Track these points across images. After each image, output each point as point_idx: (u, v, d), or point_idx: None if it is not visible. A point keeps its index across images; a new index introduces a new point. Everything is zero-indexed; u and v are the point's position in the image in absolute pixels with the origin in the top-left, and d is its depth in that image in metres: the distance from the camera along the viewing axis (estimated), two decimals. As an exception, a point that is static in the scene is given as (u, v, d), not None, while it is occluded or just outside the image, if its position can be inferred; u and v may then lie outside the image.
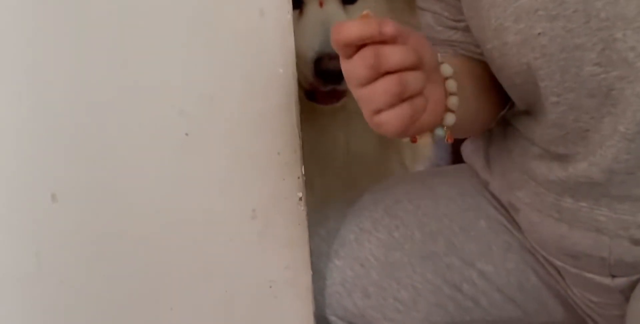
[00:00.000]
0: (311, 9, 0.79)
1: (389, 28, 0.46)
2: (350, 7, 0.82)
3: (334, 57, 0.67)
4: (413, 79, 0.48)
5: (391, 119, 0.49)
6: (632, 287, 0.64)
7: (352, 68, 0.48)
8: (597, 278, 0.65)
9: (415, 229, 0.73)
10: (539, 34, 0.56)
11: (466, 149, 0.80)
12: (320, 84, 0.78)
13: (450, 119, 0.57)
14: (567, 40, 0.55)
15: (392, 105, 0.48)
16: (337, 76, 0.68)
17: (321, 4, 0.78)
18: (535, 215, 0.68)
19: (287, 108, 0.62)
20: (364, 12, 0.48)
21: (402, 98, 0.48)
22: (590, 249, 0.63)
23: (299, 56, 0.63)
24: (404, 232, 0.72)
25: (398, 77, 0.47)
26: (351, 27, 0.47)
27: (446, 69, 0.57)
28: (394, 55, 0.47)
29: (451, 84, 0.56)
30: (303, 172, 0.64)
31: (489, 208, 0.75)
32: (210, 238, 0.62)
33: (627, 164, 0.57)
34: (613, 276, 0.64)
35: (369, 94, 0.48)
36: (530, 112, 0.65)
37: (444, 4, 0.69)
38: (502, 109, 0.73)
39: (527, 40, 0.57)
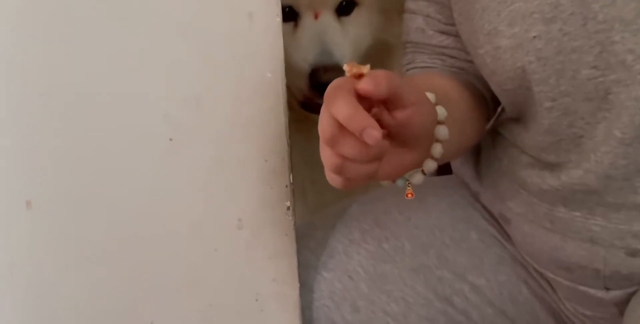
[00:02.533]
0: (306, 21, 0.78)
1: (373, 133, 0.44)
2: (345, 19, 0.81)
3: (329, 70, 0.72)
4: (353, 170, 0.48)
5: (330, 178, 0.50)
6: (627, 300, 0.63)
7: (320, 122, 0.48)
8: (591, 290, 0.64)
9: (406, 240, 0.71)
10: (534, 37, 0.55)
11: (455, 160, 0.79)
12: (315, 97, 0.77)
13: (430, 166, 0.56)
14: (564, 44, 0.55)
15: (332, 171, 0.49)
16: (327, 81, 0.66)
17: (316, 16, 0.79)
18: (527, 226, 0.67)
19: (275, 114, 0.60)
20: (351, 67, 0.46)
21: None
22: (584, 260, 0.62)
23: (293, 68, 0.65)
24: (394, 244, 0.71)
25: (341, 162, 0.47)
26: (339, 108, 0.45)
27: (441, 112, 0.55)
28: (347, 148, 0.46)
29: (442, 131, 0.55)
30: (291, 181, 0.62)
31: (479, 220, 0.74)
32: (194, 248, 0.59)
33: (625, 169, 0.56)
34: (607, 289, 0.63)
35: (321, 151, 0.49)
36: (520, 119, 0.64)
37: (439, 6, 0.69)
38: (489, 123, 0.72)
39: (521, 44, 0.56)
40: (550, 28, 0.55)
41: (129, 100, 0.55)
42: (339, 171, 0.48)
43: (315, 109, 0.75)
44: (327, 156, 0.48)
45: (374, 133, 0.44)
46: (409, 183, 0.57)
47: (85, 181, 0.54)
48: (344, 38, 0.80)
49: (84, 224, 0.55)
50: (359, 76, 0.46)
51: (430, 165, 0.57)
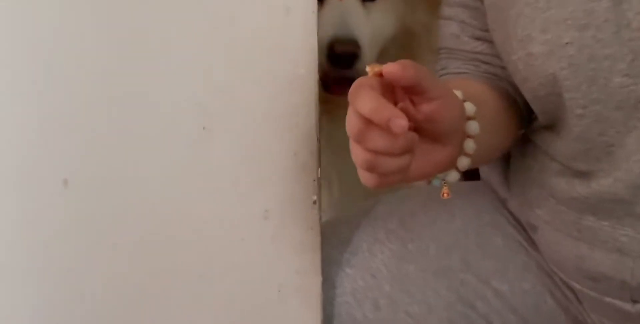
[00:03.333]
0: (331, 2, 0.82)
1: (399, 122, 0.44)
2: (370, 4, 0.84)
3: (346, 43, 0.75)
4: (385, 165, 0.48)
5: (363, 177, 0.50)
6: (655, 314, 0.61)
7: (347, 121, 0.49)
8: (618, 303, 0.63)
9: (431, 242, 0.71)
10: (567, 43, 0.55)
11: (483, 166, 0.78)
12: (331, 69, 0.79)
13: (464, 162, 0.56)
14: (596, 51, 0.54)
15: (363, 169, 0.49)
16: (347, 61, 0.76)
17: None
18: (555, 234, 0.66)
19: (306, 109, 0.61)
20: (372, 67, 0.47)
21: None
22: (611, 271, 0.61)
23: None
24: (418, 245, 0.71)
25: (372, 157, 0.48)
26: (364, 105, 0.46)
27: (469, 107, 0.56)
28: (376, 140, 0.47)
29: (472, 126, 0.55)
30: (319, 175, 0.63)
31: (506, 226, 0.73)
32: (220, 236, 0.60)
33: None
34: (635, 301, 0.62)
35: (351, 150, 0.49)
36: (552, 126, 0.64)
37: (474, 12, 0.69)
38: (521, 130, 0.72)
39: (553, 51, 0.56)
40: (583, 35, 0.55)
41: (165, 88, 0.57)
42: (371, 167, 0.48)
43: (334, 89, 0.81)
44: (357, 153, 0.49)
45: (400, 122, 0.44)
46: (444, 182, 0.56)
47: (119, 163, 0.56)
48: (365, 19, 0.83)
49: (116, 206, 0.56)
50: (380, 75, 0.47)
51: (464, 162, 0.56)
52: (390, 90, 0.49)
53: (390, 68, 0.46)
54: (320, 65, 0.75)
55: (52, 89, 0.54)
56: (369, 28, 0.84)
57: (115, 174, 0.56)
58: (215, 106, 0.58)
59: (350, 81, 0.73)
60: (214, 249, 0.61)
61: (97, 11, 0.55)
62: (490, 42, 0.69)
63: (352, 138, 0.48)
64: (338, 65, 0.80)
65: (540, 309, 0.70)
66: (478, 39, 0.70)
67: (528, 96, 0.64)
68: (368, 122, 0.46)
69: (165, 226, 0.58)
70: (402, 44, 0.89)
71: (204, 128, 0.58)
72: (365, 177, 0.50)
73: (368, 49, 0.83)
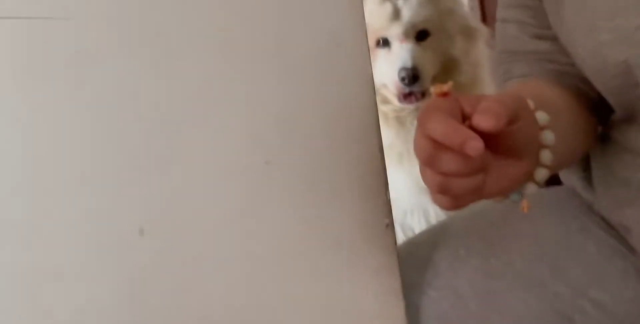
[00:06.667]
0: (395, 45, 1.30)
1: (474, 145, 0.44)
2: (423, 43, 1.29)
3: (408, 69, 1.26)
4: (457, 186, 0.47)
5: (436, 200, 0.50)
6: None
7: (415, 146, 0.48)
8: None
9: (515, 254, 0.68)
10: (637, 27, 0.52)
11: (563, 170, 0.74)
12: (400, 87, 1.26)
13: (542, 174, 0.54)
14: None
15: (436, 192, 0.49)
16: (410, 81, 1.24)
17: (402, 42, 1.28)
18: (651, 234, 0.61)
19: (368, 131, 0.60)
20: (436, 88, 0.48)
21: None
22: None
23: (391, 76, 1.26)
24: (502, 258, 0.67)
25: (444, 180, 0.47)
26: (436, 129, 0.46)
27: (542, 117, 0.53)
28: (448, 163, 0.46)
29: (547, 136, 0.53)
30: (389, 197, 0.61)
31: (597, 230, 0.69)
32: (294, 269, 0.60)
33: None
34: None
35: (421, 173, 0.49)
36: (630, 120, 0.60)
37: (532, 11, 0.66)
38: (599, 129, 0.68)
39: (624, 36, 0.53)
40: None
41: (224, 124, 0.57)
42: (443, 190, 0.47)
43: (405, 99, 1.28)
44: (428, 176, 0.48)
45: (475, 144, 0.43)
46: (523, 195, 0.54)
47: (187, 207, 0.57)
48: (420, 53, 1.28)
49: (187, 250, 0.57)
50: (444, 94, 0.48)
51: (542, 173, 0.54)
52: (457, 109, 0.48)
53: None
54: (396, 86, 1.27)
55: (118, 134, 0.56)
56: (423, 58, 1.27)
57: (186, 217, 0.57)
58: (275, 139, 0.58)
59: (417, 94, 1.28)
60: (289, 283, 0.60)
61: (155, 48, 0.56)
62: (552, 40, 0.66)
63: (422, 162, 0.47)
64: (406, 85, 1.25)
65: (648, 317, 0.65)
66: (539, 38, 0.67)
67: (602, 89, 0.60)
68: (438, 145, 0.46)
69: (237, 265, 0.58)
70: (448, 65, 1.33)
71: (266, 163, 0.58)
72: (439, 200, 0.49)
73: (425, 72, 1.26)
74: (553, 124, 0.53)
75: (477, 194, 0.49)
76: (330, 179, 0.60)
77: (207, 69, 0.57)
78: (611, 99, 0.61)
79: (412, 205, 1.32)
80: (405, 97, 1.27)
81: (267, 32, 0.58)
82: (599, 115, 0.67)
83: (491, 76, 1.33)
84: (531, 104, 0.53)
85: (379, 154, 0.61)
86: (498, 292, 0.66)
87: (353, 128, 0.60)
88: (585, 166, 0.71)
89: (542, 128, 0.53)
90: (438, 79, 1.30)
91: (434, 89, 0.48)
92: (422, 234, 0.74)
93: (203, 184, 0.57)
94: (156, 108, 0.56)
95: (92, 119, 0.55)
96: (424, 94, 1.26)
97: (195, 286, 0.58)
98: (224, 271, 0.58)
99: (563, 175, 0.75)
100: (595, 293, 0.65)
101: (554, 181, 0.78)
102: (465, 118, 0.48)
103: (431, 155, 0.46)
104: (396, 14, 1.27)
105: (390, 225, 0.61)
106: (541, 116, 0.53)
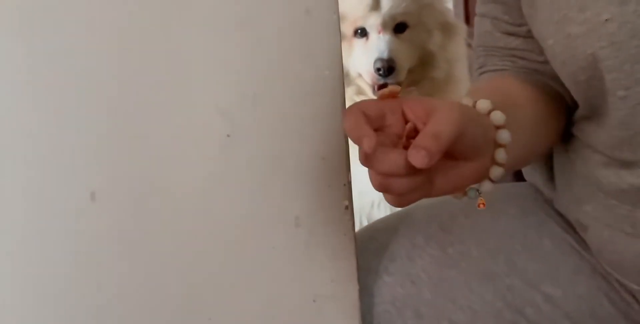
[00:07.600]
0: (373, 36, 1.29)
1: (367, 142, 0.45)
2: (400, 35, 1.30)
3: (384, 60, 1.26)
4: (396, 185, 0.48)
5: (385, 197, 0.51)
6: None
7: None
8: (682, 304, 0.58)
9: (472, 246, 0.68)
10: (607, 20, 0.52)
11: (527, 167, 0.75)
12: (375, 78, 1.26)
13: (497, 171, 0.54)
14: (639, 26, 0.51)
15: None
16: (385, 72, 1.24)
17: (380, 33, 1.28)
18: (606, 231, 0.62)
19: (333, 111, 0.60)
20: (383, 92, 0.50)
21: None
22: None
23: (366, 67, 1.26)
24: (459, 249, 0.68)
25: (382, 179, 0.48)
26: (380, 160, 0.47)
27: (497, 117, 0.54)
28: (382, 164, 0.47)
29: (503, 135, 0.53)
30: (350, 179, 0.61)
31: (554, 227, 0.69)
32: (251, 245, 0.59)
33: None
34: (700, 302, 0.57)
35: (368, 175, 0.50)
36: (592, 116, 0.61)
37: (505, 7, 0.67)
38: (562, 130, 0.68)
39: (593, 29, 0.53)
40: (624, 10, 0.51)
41: (187, 96, 0.56)
42: (384, 189, 0.48)
43: (381, 89, 1.21)
44: (370, 175, 0.49)
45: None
46: (479, 193, 0.55)
47: (144, 175, 0.56)
48: (397, 45, 1.28)
49: (142, 217, 0.56)
50: (391, 96, 0.50)
51: (498, 171, 0.54)
52: (383, 110, 0.49)
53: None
54: (371, 77, 1.27)
55: (77, 101, 0.55)
56: (400, 51, 1.27)
57: (140, 185, 0.56)
58: (238, 112, 0.57)
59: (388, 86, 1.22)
60: (245, 259, 0.59)
61: (119, 19, 0.55)
62: (524, 37, 0.66)
63: (360, 162, 0.49)
64: (381, 76, 1.24)
65: (597, 314, 0.66)
66: (511, 34, 0.68)
67: (568, 82, 0.61)
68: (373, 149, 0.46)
69: (194, 237, 0.57)
70: (424, 60, 1.33)
71: (228, 136, 0.57)
72: (386, 198, 0.51)
73: (401, 65, 1.27)
74: (511, 122, 0.54)
75: (423, 192, 0.50)
76: (292, 157, 0.59)
77: (170, 38, 0.56)
78: (576, 93, 0.61)
79: (379, 197, 1.32)
80: (380, 88, 1.28)
81: (239, 4, 0.57)
82: (568, 113, 0.67)
83: (469, 73, 1.35)
84: (487, 105, 0.54)
85: (343, 134, 0.60)
86: (452, 281, 0.66)
87: (317, 107, 0.60)
88: (549, 163, 0.71)
89: (498, 128, 0.54)
90: (413, 72, 1.31)
91: (380, 93, 0.50)
92: (383, 220, 0.74)
93: (161, 152, 0.56)
94: (117, 76, 0.55)
95: (46, 81, 0.53)
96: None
97: (148, 258, 0.57)
98: (178, 243, 0.58)
99: (526, 171, 0.76)
100: (547, 287, 0.66)
101: (520, 177, 0.78)
102: (406, 121, 0.49)
103: (367, 155, 0.47)
104: (376, 5, 1.26)
105: (350, 207, 0.61)
106: (496, 116, 0.54)
